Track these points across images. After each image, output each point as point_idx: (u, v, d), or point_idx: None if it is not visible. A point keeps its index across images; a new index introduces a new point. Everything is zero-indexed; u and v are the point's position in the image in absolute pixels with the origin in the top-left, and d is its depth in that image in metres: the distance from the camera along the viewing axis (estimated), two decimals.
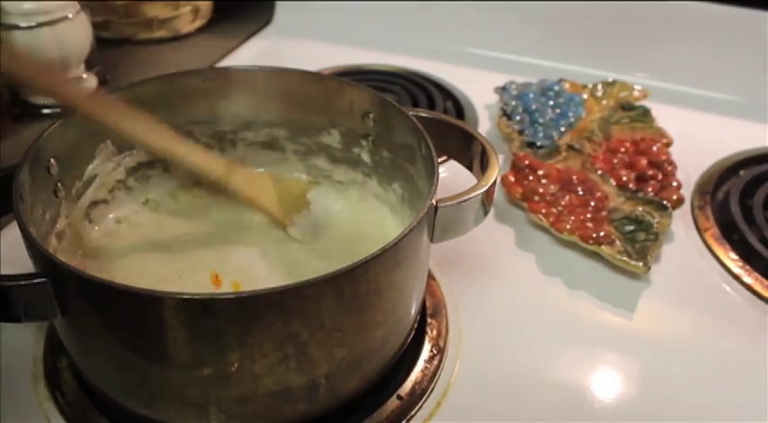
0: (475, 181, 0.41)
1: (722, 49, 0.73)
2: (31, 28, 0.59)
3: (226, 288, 0.42)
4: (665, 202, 0.54)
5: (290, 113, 0.50)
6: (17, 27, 0.59)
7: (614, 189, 0.56)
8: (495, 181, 0.41)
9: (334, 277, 0.32)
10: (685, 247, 0.54)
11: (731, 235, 0.55)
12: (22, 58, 0.35)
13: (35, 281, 0.33)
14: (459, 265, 0.51)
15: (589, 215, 0.53)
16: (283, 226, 0.46)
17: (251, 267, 0.44)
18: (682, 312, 0.48)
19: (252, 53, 0.82)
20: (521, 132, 0.63)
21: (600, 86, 0.69)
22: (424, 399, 0.41)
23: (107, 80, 0.70)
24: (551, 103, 0.67)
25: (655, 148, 0.60)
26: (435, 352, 0.44)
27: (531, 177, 0.57)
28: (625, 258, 0.50)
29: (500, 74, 0.74)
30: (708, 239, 0.55)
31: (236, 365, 0.33)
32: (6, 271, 0.34)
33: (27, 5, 0.58)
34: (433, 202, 0.37)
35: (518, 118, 0.65)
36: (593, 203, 0.54)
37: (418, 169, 0.44)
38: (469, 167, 0.45)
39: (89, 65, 0.68)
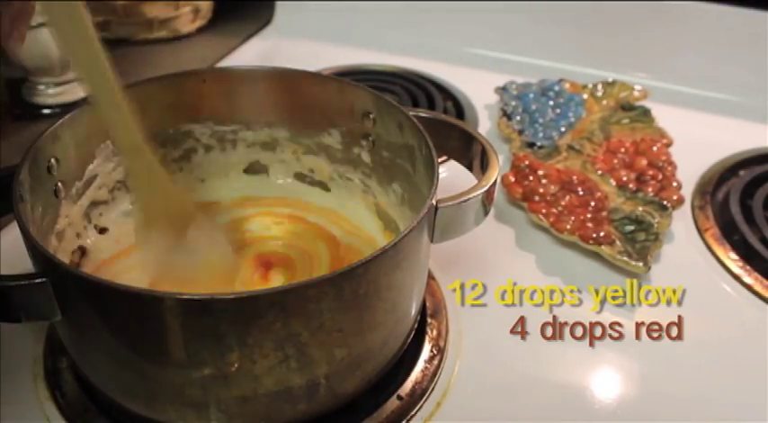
0: (475, 181, 0.41)
1: (722, 49, 0.73)
2: (31, 28, 0.59)
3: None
4: (665, 203, 0.54)
5: (290, 113, 0.49)
6: None
7: (614, 189, 0.56)
8: (495, 181, 0.40)
9: (334, 277, 0.32)
10: (685, 247, 0.54)
11: (731, 235, 0.55)
12: None
13: (35, 281, 0.33)
14: (459, 265, 0.51)
15: (589, 215, 0.53)
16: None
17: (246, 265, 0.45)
18: (681, 312, 0.48)
19: (252, 53, 0.82)
20: (521, 132, 0.63)
21: (600, 86, 0.69)
22: (424, 399, 0.41)
23: None
24: (551, 103, 0.67)
25: (655, 149, 0.60)
26: (435, 352, 0.44)
27: (531, 177, 0.57)
28: (625, 258, 0.50)
29: (500, 74, 0.74)
30: (708, 239, 0.55)
31: (236, 365, 0.33)
32: (6, 271, 0.34)
33: None
34: (433, 202, 0.37)
35: (518, 118, 0.65)
36: (593, 203, 0.54)
37: (418, 169, 0.44)
38: (469, 167, 0.45)
39: None
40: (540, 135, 0.62)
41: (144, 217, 0.42)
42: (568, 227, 0.52)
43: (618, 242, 0.51)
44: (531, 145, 0.61)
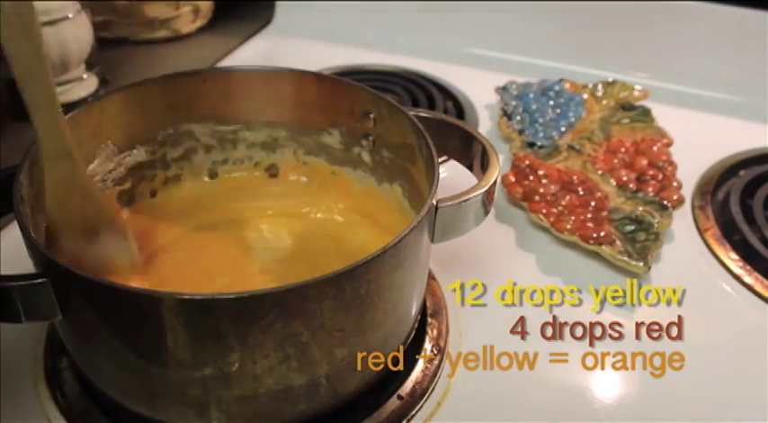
0: (475, 181, 0.41)
1: (722, 49, 0.74)
2: None
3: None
4: (665, 202, 0.54)
5: (290, 113, 0.49)
6: None
7: (614, 189, 0.56)
8: (495, 181, 0.41)
9: (334, 277, 0.32)
10: (685, 247, 0.54)
11: (731, 235, 0.55)
12: None
13: (35, 281, 0.33)
14: (459, 265, 0.51)
15: (589, 215, 0.53)
16: None
17: (246, 265, 0.45)
18: (682, 312, 0.48)
19: (252, 53, 0.82)
20: (521, 132, 0.63)
21: (600, 86, 0.69)
22: (424, 399, 0.41)
23: (107, 80, 0.70)
24: (551, 103, 0.67)
25: (655, 148, 0.60)
26: (435, 352, 0.44)
27: (531, 177, 0.57)
28: (625, 258, 0.50)
29: (500, 74, 0.74)
30: (708, 239, 0.55)
31: (236, 365, 0.33)
32: (6, 271, 0.34)
33: None
34: (434, 202, 0.37)
35: (518, 118, 0.65)
36: (593, 203, 0.54)
37: (418, 169, 0.44)
38: (470, 167, 0.45)
39: (89, 65, 0.68)
40: (541, 135, 0.62)
41: (57, 217, 0.39)
42: (568, 227, 0.52)
43: (618, 242, 0.51)
44: (532, 145, 0.61)
